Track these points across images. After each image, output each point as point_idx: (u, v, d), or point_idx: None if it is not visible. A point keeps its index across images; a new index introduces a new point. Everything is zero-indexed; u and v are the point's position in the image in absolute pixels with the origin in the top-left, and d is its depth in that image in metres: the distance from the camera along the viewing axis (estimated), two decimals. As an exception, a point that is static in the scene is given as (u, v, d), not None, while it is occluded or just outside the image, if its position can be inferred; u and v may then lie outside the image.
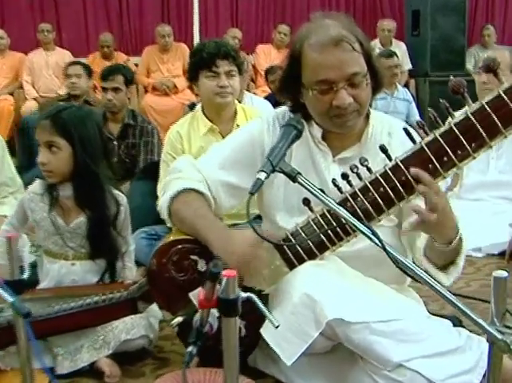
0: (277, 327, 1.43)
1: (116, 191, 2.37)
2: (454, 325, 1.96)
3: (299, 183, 1.67)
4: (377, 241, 1.53)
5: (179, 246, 1.98)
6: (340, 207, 1.62)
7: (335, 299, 1.75)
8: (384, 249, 1.50)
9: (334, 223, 1.78)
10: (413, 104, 6.21)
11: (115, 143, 4.23)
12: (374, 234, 1.54)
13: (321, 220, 1.80)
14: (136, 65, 7.60)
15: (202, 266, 1.95)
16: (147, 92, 7.42)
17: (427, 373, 1.77)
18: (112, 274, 2.36)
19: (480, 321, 1.34)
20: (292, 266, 1.87)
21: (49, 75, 7.20)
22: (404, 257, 2.01)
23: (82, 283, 2.30)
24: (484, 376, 1.82)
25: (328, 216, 1.79)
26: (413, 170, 1.69)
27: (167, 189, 2.04)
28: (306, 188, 1.65)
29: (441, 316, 2.09)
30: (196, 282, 1.94)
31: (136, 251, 2.68)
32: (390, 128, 2.03)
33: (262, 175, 1.66)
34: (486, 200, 3.67)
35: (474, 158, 1.68)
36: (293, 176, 1.68)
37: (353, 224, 1.58)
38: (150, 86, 7.39)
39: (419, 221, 1.72)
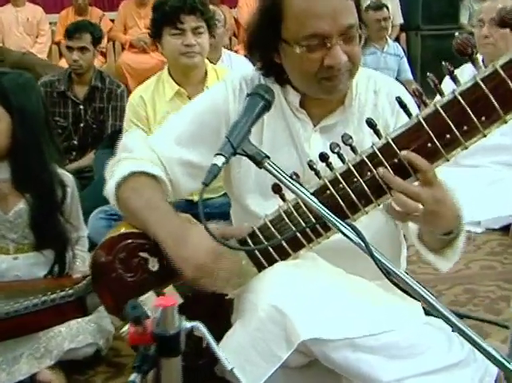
0: (231, 370, 1.11)
1: (61, 171, 2.04)
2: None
3: (266, 169, 1.34)
4: (362, 243, 1.21)
5: (128, 241, 1.65)
6: (315, 200, 1.29)
7: (309, 313, 1.43)
8: (372, 255, 1.19)
9: (311, 217, 1.45)
10: (404, 60, 5.85)
11: (81, 107, 3.94)
12: (357, 234, 1.22)
13: (295, 212, 1.47)
14: (112, 20, 7.19)
15: (153, 265, 1.63)
16: (124, 50, 7.01)
17: (425, 394, 1.48)
18: (61, 266, 2.05)
19: (496, 353, 1.04)
20: (260, 266, 1.56)
21: (19, 33, 6.80)
22: (399, 251, 1.74)
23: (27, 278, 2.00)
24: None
25: (303, 207, 1.46)
26: (404, 153, 1.36)
27: (114, 172, 1.70)
28: (274, 175, 1.33)
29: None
30: (147, 283, 1.63)
31: (94, 233, 2.39)
32: (375, 85, 1.70)
33: (220, 160, 1.33)
34: (487, 167, 3.31)
35: (485, 136, 1.35)
36: (258, 161, 1.35)
37: (331, 222, 1.26)
38: (127, 43, 6.97)
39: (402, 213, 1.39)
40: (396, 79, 5.77)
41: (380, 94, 1.68)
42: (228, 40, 6.84)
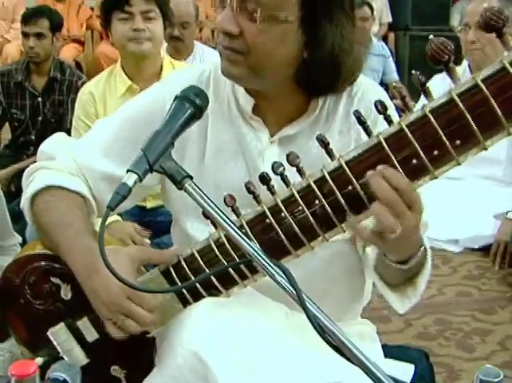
0: None
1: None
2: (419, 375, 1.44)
3: (186, 191, 1.09)
4: (293, 290, 0.96)
5: (41, 264, 1.41)
6: (238, 231, 1.04)
7: (235, 364, 1.19)
8: (304, 308, 0.94)
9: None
10: (390, 60, 5.60)
11: (39, 99, 3.70)
12: (289, 279, 0.97)
13: (227, 243, 1.22)
14: (92, 8, 6.90)
15: (66, 293, 1.39)
16: (103, 39, 6.71)
17: None
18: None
19: None
20: (186, 301, 1.31)
21: (-5, 18, 6.52)
22: (362, 286, 1.48)
23: None
24: None
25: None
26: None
27: (30, 183, 1.45)
28: (196, 201, 1.08)
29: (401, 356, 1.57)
30: (58, 313, 1.39)
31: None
32: (351, 88, 1.39)
33: (131, 179, 1.08)
34: (469, 180, 3.04)
35: (459, 164, 1.09)
36: (178, 180, 1.10)
37: (257, 260, 1.01)
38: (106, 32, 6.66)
39: (372, 233, 1.12)
40: (381, 80, 5.54)
41: (355, 99, 1.40)
42: (210, 33, 6.62)
